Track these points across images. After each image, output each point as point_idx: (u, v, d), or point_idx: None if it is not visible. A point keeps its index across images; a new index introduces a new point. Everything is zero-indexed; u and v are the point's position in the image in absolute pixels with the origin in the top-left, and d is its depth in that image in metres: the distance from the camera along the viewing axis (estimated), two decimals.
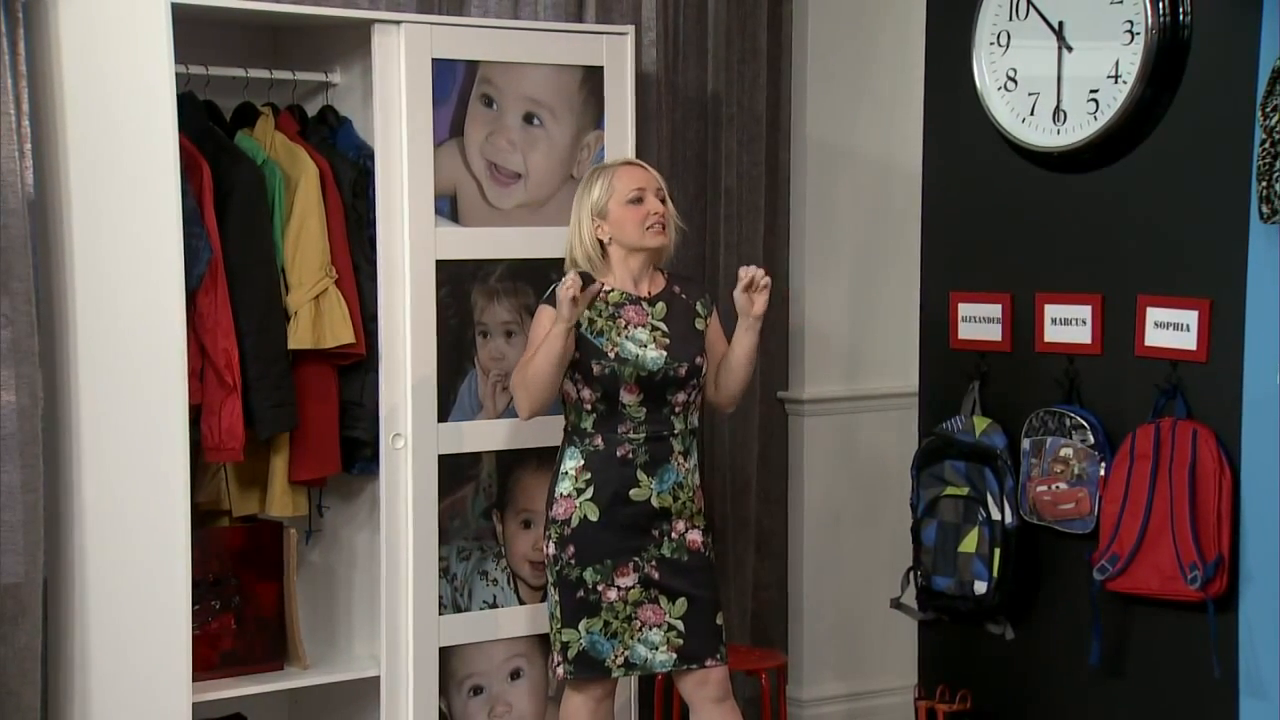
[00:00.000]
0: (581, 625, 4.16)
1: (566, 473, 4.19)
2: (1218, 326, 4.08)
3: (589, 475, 4.16)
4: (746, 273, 4.18)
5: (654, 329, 4.19)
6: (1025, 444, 4.42)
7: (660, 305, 4.23)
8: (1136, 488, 4.15)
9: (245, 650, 4.37)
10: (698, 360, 4.22)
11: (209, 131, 4.32)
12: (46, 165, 4.24)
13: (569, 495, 4.17)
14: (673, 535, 4.20)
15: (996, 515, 4.41)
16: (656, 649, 4.18)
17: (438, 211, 4.41)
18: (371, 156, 4.40)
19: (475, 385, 4.50)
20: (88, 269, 4.22)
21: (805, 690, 5.50)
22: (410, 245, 4.37)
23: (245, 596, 4.36)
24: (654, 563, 4.18)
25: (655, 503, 4.17)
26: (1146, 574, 4.13)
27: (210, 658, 4.29)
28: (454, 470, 4.48)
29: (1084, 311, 4.36)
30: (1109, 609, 4.26)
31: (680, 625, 4.19)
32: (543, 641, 4.62)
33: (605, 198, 4.18)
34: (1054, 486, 4.35)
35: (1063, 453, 4.33)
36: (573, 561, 4.16)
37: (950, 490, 4.49)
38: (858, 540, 5.52)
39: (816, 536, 5.51)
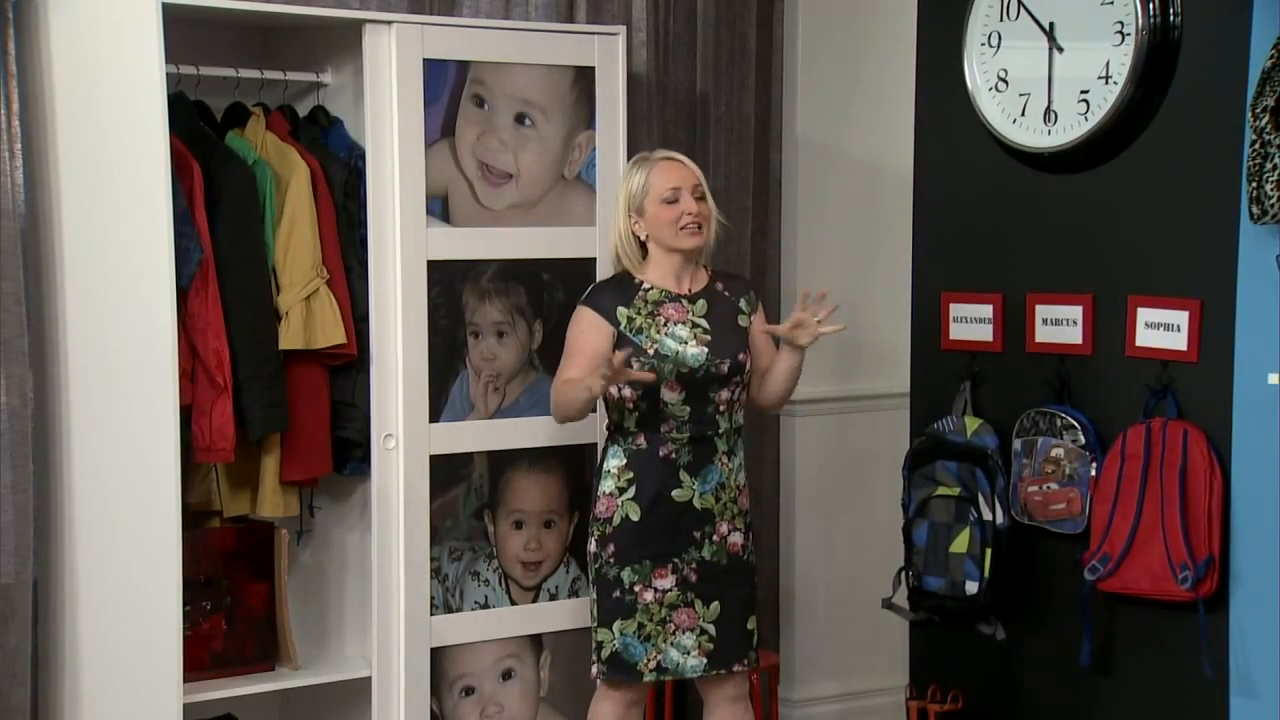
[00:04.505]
0: (615, 626, 4.14)
1: (609, 471, 4.17)
2: (1208, 327, 4.08)
3: (631, 475, 4.14)
4: (808, 319, 4.12)
5: (694, 325, 4.16)
6: (1016, 444, 4.42)
7: (701, 302, 4.20)
8: (1127, 488, 4.16)
9: (236, 651, 4.36)
10: (740, 357, 4.18)
11: (200, 132, 4.31)
12: (36, 166, 4.23)
13: (611, 494, 4.15)
14: (714, 537, 4.17)
15: (988, 515, 4.42)
16: (688, 653, 4.16)
17: (429, 212, 4.41)
18: (363, 157, 4.39)
19: (467, 385, 4.49)
20: (78, 269, 4.21)
21: (797, 690, 5.50)
22: (402, 245, 4.36)
23: (236, 597, 4.36)
24: (694, 565, 4.15)
25: (697, 504, 4.15)
26: (1137, 574, 4.14)
27: (201, 658, 4.28)
28: (445, 470, 4.47)
29: (1075, 312, 4.36)
30: (1100, 609, 4.27)
31: (712, 629, 4.17)
32: (535, 642, 4.62)
33: (641, 195, 4.15)
34: (1045, 487, 4.35)
35: (1054, 453, 4.33)
36: (612, 560, 4.14)
37: (942, 490, 4.49)
38: (849, 541, 5.52)
39: (807, 537, 5.51)
